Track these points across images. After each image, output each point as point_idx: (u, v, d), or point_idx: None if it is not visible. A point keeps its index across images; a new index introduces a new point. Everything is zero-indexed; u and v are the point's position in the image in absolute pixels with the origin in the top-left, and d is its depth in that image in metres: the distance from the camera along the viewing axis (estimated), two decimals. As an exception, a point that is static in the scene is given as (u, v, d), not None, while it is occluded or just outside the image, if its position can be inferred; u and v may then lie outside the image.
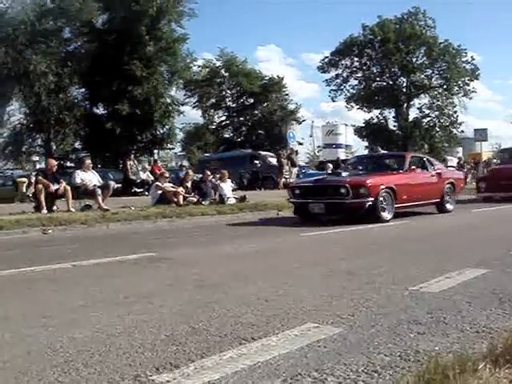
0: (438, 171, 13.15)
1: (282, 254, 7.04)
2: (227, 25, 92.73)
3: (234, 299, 4.06)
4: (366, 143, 50.48)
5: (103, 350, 2.94)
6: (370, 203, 10.50)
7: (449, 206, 13.05)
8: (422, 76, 50.13)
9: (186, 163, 34.56)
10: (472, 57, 48.83)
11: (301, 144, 37.97)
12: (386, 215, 10.83)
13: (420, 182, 12.30)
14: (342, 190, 10.63)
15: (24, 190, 19.44)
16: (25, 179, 20.23)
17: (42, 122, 31.01)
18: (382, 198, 10.74)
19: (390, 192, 10.96)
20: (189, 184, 16.10)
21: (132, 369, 2.64)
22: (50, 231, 9.81)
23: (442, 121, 49.09)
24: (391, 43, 47.37)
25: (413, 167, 12.20)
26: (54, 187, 12.64)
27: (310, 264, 5.87)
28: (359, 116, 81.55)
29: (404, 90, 50.10)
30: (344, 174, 12.18)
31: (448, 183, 13.23)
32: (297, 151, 27.45)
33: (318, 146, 59.63)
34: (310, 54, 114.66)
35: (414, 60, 49.44)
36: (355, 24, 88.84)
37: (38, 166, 24.59)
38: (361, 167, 13.40)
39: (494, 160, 30.42)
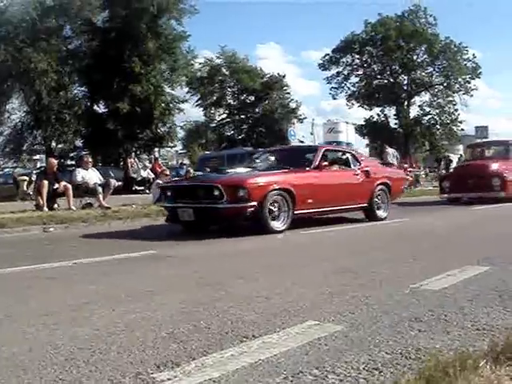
0: (366, 169, 10.59)
1: (282, 251, 7.04)
2: (226, 22, 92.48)
3: (235, 297, 4.05)
4: (367, 141, 50.56)
5: (104, 347, 2.94)
6: (252, 209, 8.32)
7: (380, 213, 10.64)
8: (423, 74, 50.22)
9: (186, 161, 34.54)
10: (473, 54, 48.90)
11: (302, 142, 37.97)
12: (278, 225, 8.63)
13: (335, 182, 9.96)
14: (215, 193, 8.45)
15: (25, 188, 19.47)
16: (26, 177, 20.26)
17: (43, 120, 31.04)
18: (272, 203, 8.57)
19: (285, 195, 8.72)
20: (189, 182, 16.09)
21: (133, 366, 2.64)
22: (51, 229, 9.82)
23: (442, 118, 49.15)
24: (392, 41, 47.38)
25: (325, 163, 9.86)
26: (55, 186, 12.68)
27: (310, 262, 5.87)
28: (360, 114, 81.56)
29: (405, 87, 50.18)
30: (230, 171, 10.18)
31: (380, 184, 10.74)
32: None
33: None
34: (309, 52, 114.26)
35: (415, 58, 49.54)
36: (356, 21, 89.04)
37: (38, 164, 24.63)
38: (265, 162, 10.84)
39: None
